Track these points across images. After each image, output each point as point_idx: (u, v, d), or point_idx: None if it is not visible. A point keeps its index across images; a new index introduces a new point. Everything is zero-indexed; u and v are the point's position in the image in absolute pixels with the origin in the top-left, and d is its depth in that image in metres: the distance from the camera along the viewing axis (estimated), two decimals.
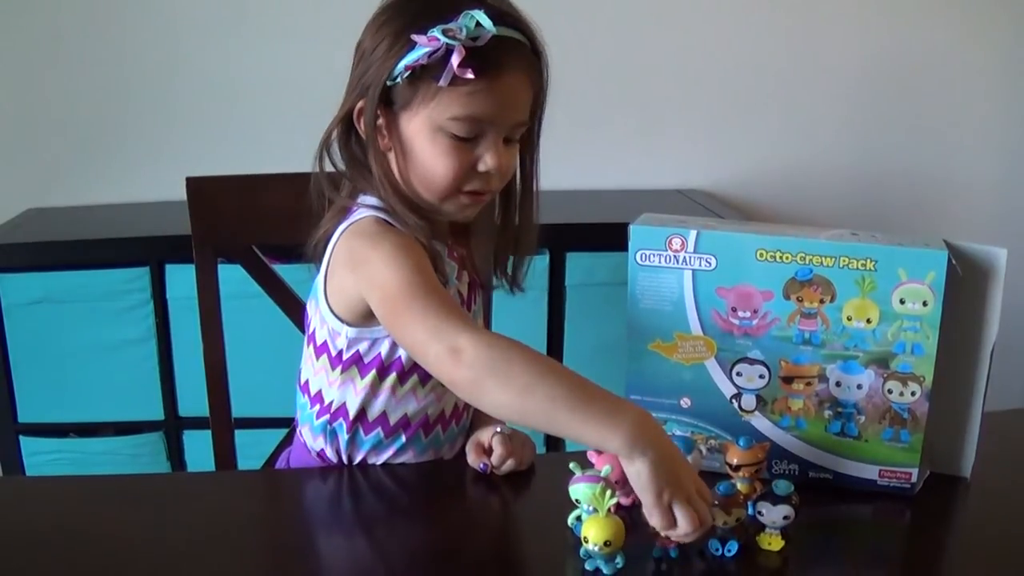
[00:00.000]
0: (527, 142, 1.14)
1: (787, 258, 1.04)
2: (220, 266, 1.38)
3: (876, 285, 1.02)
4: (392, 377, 1.13)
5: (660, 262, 1.08)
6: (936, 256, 1.01)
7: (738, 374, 1.08)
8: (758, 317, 1.06)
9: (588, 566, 0.91)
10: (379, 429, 1.14)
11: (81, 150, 2.35)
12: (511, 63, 1.05)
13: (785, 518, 0.93)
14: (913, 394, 1.04)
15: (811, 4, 2.46)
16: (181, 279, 1.99)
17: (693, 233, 1.06)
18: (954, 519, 1.09)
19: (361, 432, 1.15)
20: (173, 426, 2.12)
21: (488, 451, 1.12)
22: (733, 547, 0.93)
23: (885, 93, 2.53)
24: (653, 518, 0.89)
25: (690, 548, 0.94)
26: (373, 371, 1.12)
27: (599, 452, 1.02)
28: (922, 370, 1.03)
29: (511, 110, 1.07)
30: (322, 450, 1.16)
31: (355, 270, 1.07)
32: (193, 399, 2.04)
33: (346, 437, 1.14)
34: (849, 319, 1.04)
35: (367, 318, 1.08)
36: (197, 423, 2.02)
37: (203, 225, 1.36)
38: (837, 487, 1.08)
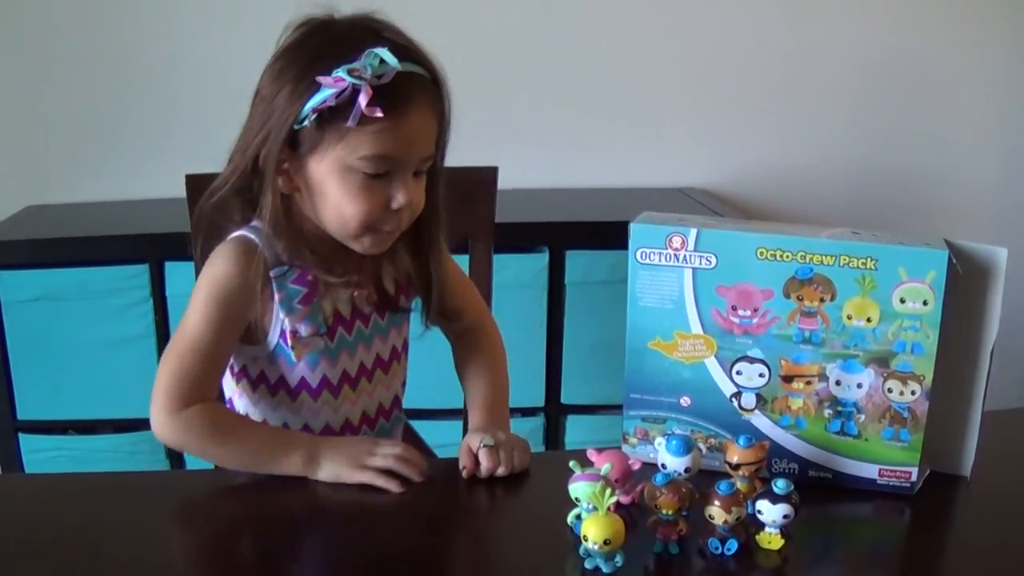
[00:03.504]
0: (432, 174, 1.14)
1: (787, 257, 1.04)
2: None
3: (876, 284, 1.02)
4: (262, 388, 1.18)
5: (660, 260, 1.08)
6: (936, 255, 1.01)
7: (738, 373, 1.08)
8: (758, 316, 1.06)
9: (588, 564, 0.90)
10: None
11: (80, 147, 2.35)
12: (416, 98, 1.06)
13: (785, 517, 0.93)
14: (913, 393, 1.04)
15: (811, 3, 2.45)
16: (180, 276, 1.99)
17: (693, 231, 1.06)
18: (954, 518, 1.09)
19: None
20: None
21: (477, 457, 1.11)
22: (733, 546, 0.93)
23: (886, 92, 2.53)
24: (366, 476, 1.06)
25: (690, 545, 0.95)
26: (244, 379, 1.18)
27: (599, 451, 1.02)
28: (922, 369, 1.03)
29: (419, 145, 1.08)
30: None
31: None
32: None
33: None
34: (849, 318, 1.04)
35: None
36: None
37: None
38: (837, 486, 1.08)
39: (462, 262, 1.50)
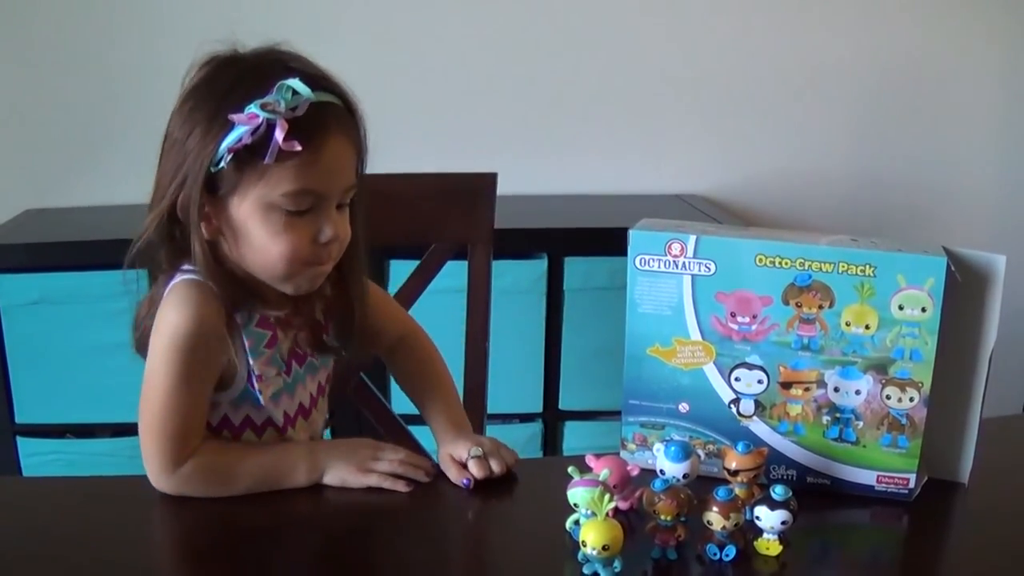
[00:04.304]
0: (353, 204, 1.10)
1: (786, 264, 1.04)
2: None
3: (875, 291, 1.02)
4: None
5: (659, 267, 1.08)
6: (935, 262, 1.01)
7: (737, 379, 1.09)
8: (757, 322, 1.06)
9: (586, 570, 0.90)
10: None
11: (79, 151, 2.35)
12: (332, 127, 1.03)
13: (783, 523, 0.93)
14: (911, 400, 1.04)
15: (810, 10, 2.46)
16: None
17: (692, 238, 1.06)
18: (952, 525, 1.09)
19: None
20: None
21: (466, 467, 1.11)
22: (731, 552, 0.93)
23: (884, 99, 2.53)
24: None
25: (689, 551, 0.95)
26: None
27: (597, 456, 1.02)
28: (920, 376, 1.04)
29: (340, 175, 1.05)
30: None
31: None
32: None
33: None
34: (848, 325, 1.04)
35: None
36: None
37: None
38: (835, 492, 1.08)
39: (461, 268, 1.51)
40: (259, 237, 1.04)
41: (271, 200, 1.02)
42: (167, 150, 1.06)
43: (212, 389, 1.09)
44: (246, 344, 1.09)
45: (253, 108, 0.98)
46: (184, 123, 1.04)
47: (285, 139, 0.97)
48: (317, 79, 1.03)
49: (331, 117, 1.03)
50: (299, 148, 0.98)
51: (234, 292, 1.08)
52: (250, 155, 1.00)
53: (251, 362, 1.09)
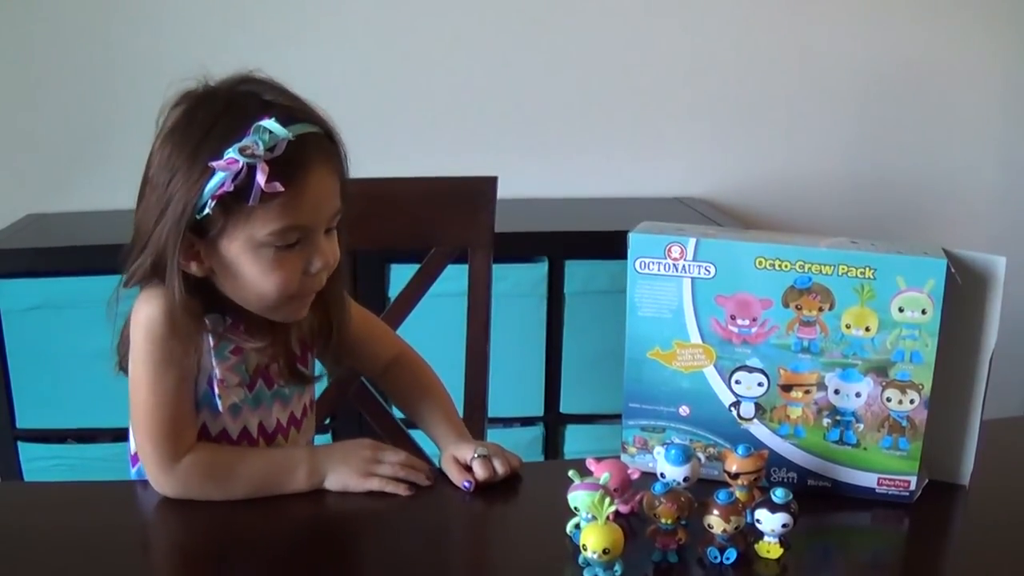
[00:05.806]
0: (337, 225, 1.10)
1: (786, 266, 1.04)
2: None
3: (875, 293, 1.02)
4: None
5: (659, 270, 1.08)
6: (935, 264, 1.01)
7: (737, 382, 1.09)
8: (757, 325, 1.06)
9: (587, 574, 0.90)
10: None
11: (80, 156, 2.35)
12: (313, 160, 1.03)
13: (784, 526, 0.93)
14: (912, 402, 1.04)
15: (810, 12, 2.46)
16: None
17: (692, 241, 1.06)
18: (952, 527, 1.09)
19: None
20: None
21: (469, 469, 1.11)
22: (732, 555, 0.93)
23: (884, 101, 2.54)
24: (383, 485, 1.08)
25: (689, 554, 0.95)
26: None
27: (598, 460, 1.02)
28: (921, 378, 1.04)
29: (326, 206, 1.05)
30: None
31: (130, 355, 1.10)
32: None
33: None
34: (848, 327, 1.04)
35: None
36: None
37: None
38: (836, 495, 1.08)
39: (461, 272, 1.51)
40: (250, 274, 1.05)
41: (259, 239, 1.02)
42: (148, 194, 1.06)
43: (194, 382, 1.09)
44: (211, 344, 1.09)
45: (232, 153, 0.97)
46: (163, 168, 1.03)
47: (267, 181, 0.97)
48: (293, 111, 1.02)
49: (311, 149, 1.03)
50: (282, 189, 0.98)
51: (213, 324, 1.09)
52: (234, 199, 0.99)
53: (214, 363, 1.09)
